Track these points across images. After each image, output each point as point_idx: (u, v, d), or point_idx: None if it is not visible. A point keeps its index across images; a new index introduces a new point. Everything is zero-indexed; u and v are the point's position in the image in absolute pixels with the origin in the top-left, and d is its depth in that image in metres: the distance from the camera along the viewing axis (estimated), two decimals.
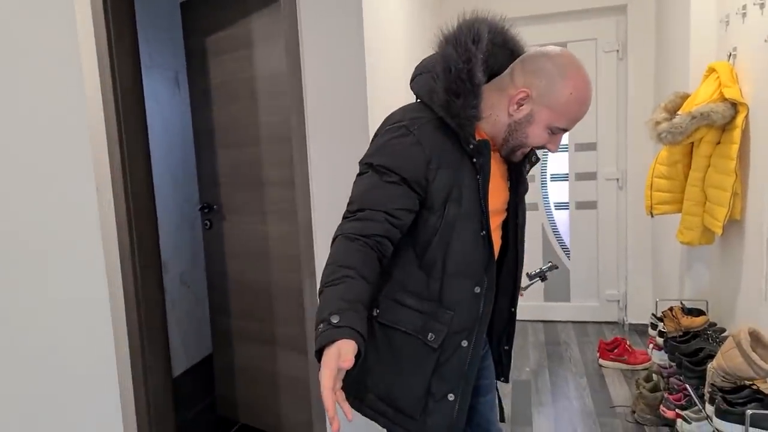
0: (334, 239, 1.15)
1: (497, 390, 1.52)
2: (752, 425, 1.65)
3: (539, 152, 1.36)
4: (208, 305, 2.85)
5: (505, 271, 1.38)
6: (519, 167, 1.32)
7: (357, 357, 0.97)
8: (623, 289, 3.76)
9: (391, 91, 2.36)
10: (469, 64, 1.13)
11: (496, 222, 1.30)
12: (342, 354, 0.94)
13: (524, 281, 1.61)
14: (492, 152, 1.22)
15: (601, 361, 3.18)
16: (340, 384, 0.96)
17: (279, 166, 2.30)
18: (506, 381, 1.49)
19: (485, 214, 1.20)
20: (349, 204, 1.18)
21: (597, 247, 3.80)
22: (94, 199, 0.82)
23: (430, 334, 1.20)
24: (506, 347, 1.46)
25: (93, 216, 0.84)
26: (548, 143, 1.22)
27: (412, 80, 1.28)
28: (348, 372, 1.02)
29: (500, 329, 1.44)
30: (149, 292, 2.16)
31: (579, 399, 2.81)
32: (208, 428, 2.73)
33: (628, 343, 3.17)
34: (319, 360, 0.96)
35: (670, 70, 3.15)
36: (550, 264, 1.73)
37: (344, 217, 1.17)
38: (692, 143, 2.41)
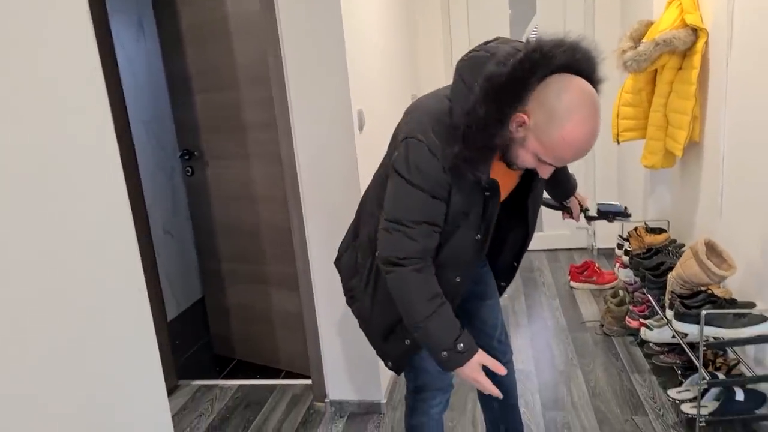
0: (396, 262, 1.25)
1: None
2: (706, 324, 1.85)
3: None
4: (194, 252, 2.92)
5: (513, 236, 1.52)
6: None
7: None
8: None
9: (367, 25, 2.37)
10: (494, 128, 1.13)
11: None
12: (489, 364, 1.27)
13: (593, 211, 1.71)
14: None
15: (571, 283, 3.40)
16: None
17: (259, 107, 2.33)
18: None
19: (487, 226, 1.32)
20: (391, 214, 1.26)
21: None
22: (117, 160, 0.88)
23: None
24: (503, 284, 1.67)
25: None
26: (538, 168, 1.22)
27: (462, 65, 1.24)
28: (350, 278, 1.45)
29: (501, 272, 1.64)
30: (138, 242, 2.21)
31: (552, 318, 3.02)
32: (205, 367, 2.86)
33: (596, 265, 3.38)
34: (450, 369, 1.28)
35: None
36: (624, 209, 1.73)
37: (391, 229, 1.25)
38: (656, 70, 2.52)
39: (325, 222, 2.17)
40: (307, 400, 2.44)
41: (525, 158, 1.19)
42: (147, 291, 0.98)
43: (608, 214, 1.67)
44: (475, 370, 1.25)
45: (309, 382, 2.46)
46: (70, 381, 0.80)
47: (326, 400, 2.37)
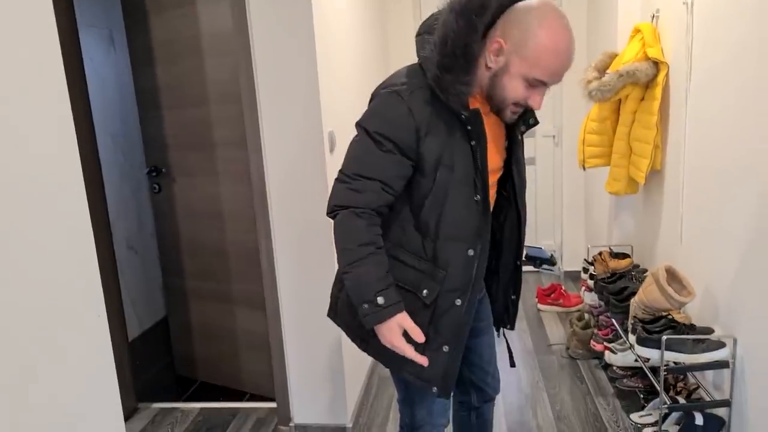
0: (335, 209, 1.22)
1: (506, 337, 1.61)
2: (667, 348, 1.89)
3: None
4: (159, 269, 2.85)
5: (508, 227, 1.43)
6: (514, 129, 1.34)
7: None
8: (559, 240, 4.03)
9: (341, 46, 2.39)
10: (467, 38, 1.14)
11: (491, 180, 1.32)
12: (408, 328, 1.18)
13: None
14: (487, 115, 1.24)
15: (539, 305, 3.43)
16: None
17: (229, 125, 2.31)
18: (512, 328, 1.59)
19: (482, 180, 1.23)
20: (345, 166, 1.24)
21: (535, 201, 4.02)
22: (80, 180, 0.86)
23: (424, 290, 1.28)
24: (513, 297, 1.55)
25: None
26: (529, 99, 1.20)
27: (417, 35, 1.29)
28: (355, 317, 1.24)
29: (506, 281, 1.52)
30: (100, 258, 2.15)
31: (520, 340, 3.04)
32: (166, 389, 2.77)
33: (563, 288, 3.43)
34: (369, 329, 1.19)
35: (600, 31, 3.32)
36: (551, 256, 1.75)
37: (340, 180, 1.23)
38: (620, 100, 2.60)
39: (293, 241, 2.15)
40: (271, 424, 2.38)
41: (512, 86, 1.18)
42: (108, 309, 0.95)
43: (535, 259, 1.71)
44: (395, 334, 1.18)
45: (273, 405, 2.41)
46: (17, 409, 0.76)
47: (291, 424, 2.32)
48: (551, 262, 1.73)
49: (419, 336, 1.18)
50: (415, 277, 1.29)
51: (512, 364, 1.64)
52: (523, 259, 1.66)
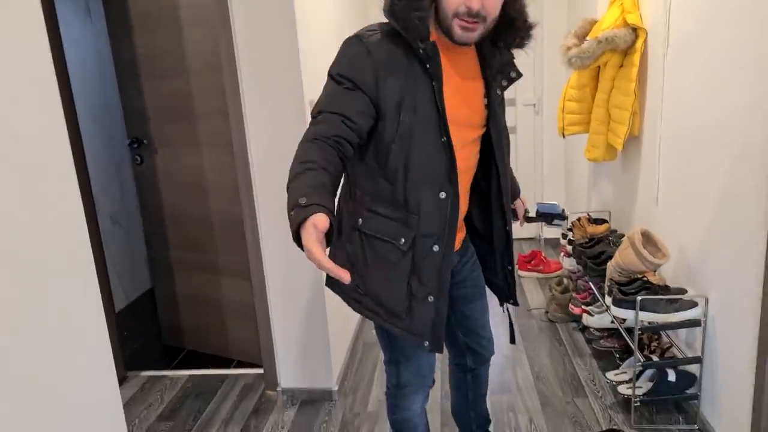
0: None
1: (509, 314, 1.64)
2: (641, 309, 1.96)
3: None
4: (143, 243, 2.85)
5: (494, 190, 1.43)
6: (490, 82, 1.34)
7: (330, 233, 1.03)
8: None
9: (321, 14, 2.37)
10: None
11: (469, 135, 1.34)
12: (316, 223, 0.99)
13: (532, 212, 1.72)
14: (459, 54, 1.27)
15: (519, 272, 3.51)
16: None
17: (211, 96, 2.29)
18: (516, 303, 1.59)
19: (443, 120, 1.23)
20: (312, 110, 1.25)
21: (516, 170, 4.03)
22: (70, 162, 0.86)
23: (402, 239, 1.28)
24: (509, 267, 1.53)
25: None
26: (466, 1, 1.18)
27: None
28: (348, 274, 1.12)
29: (502, 251, 1.52)
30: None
31: (500, 306, 3.11)
32: (155, 357, 2.81)
33: (543, 254, 3.50)
34: (299, 244, 1.02)
35: None
36: (562, 210, 1.77)
37: (316, 114, 1.24)
38: (599, 67, 2.62)
39: (277, 212, 2.17)
40: (259, 389, 2.44)
41: None
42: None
43: (547, 216, 1.74)
44: (310, 235, 0.99)
45: (260, 371, 2.46)
46: (15, 378, 0.79)
47: (278, 389, 2.38)
48: (562, 216, 1.77)
49: (324, 225, 1.00)
50: (392, 227, 1.30)
51: (512, 341, 1.67)
52: (534, 215, 1.69)
